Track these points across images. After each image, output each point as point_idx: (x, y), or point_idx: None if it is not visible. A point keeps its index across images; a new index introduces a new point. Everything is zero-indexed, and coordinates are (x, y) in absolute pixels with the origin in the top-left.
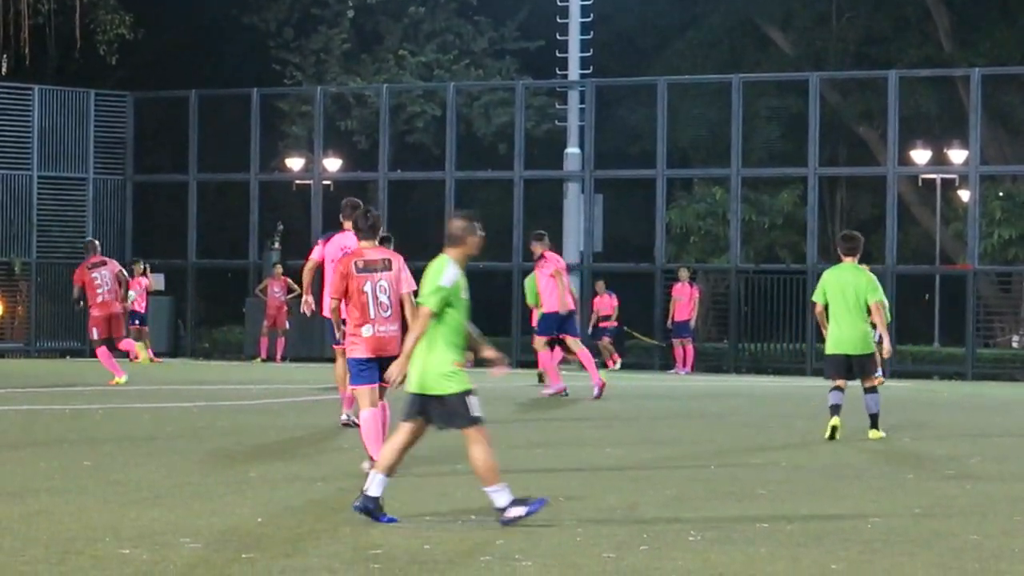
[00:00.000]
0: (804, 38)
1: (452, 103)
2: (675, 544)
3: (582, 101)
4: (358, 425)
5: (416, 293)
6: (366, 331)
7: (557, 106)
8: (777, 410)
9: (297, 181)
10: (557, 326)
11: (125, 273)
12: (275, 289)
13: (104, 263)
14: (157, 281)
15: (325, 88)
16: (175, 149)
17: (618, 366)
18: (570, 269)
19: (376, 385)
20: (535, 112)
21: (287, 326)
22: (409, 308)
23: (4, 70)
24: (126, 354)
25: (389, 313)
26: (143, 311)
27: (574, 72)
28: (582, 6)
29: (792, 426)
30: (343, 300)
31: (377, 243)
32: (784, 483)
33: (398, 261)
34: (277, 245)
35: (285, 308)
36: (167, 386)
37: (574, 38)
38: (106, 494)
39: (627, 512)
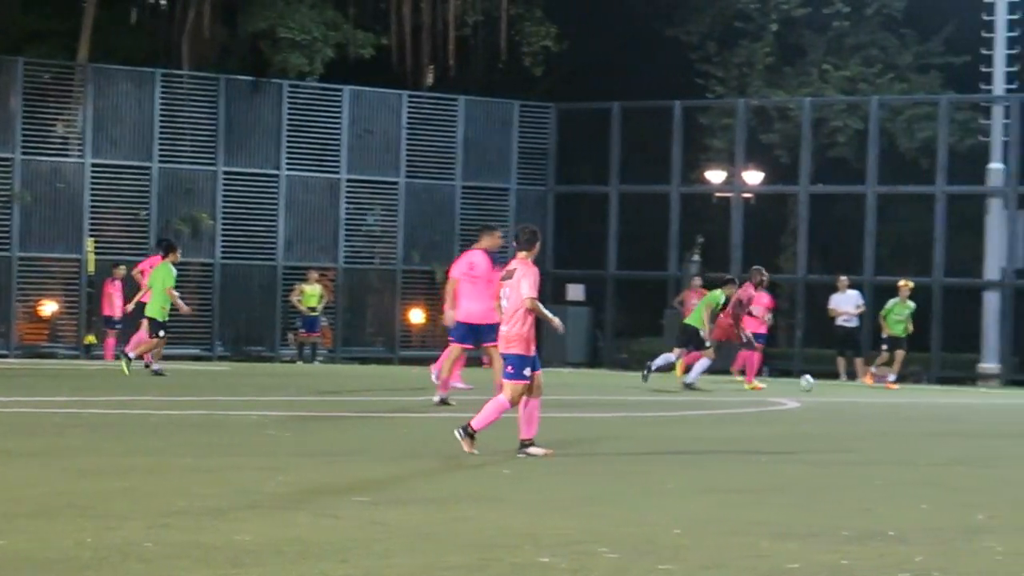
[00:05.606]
0: None
1: (875, 117)
2: None
3: (1007, 116)
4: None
5: None
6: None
7: (981, 121)
8: None
9: (717, 194)
10: None
11: None
12: (694, 301)
13: None
14: (576, 292)
15: (747, 101)
16: (597, 160)
17: None
18: (991, 286)
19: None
20: (958, 127)
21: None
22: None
23: (430, 81)
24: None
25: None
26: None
27: (999, 87)
28: (1008, 21)
29: None
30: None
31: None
32: None
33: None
34: (697, 257)
35: None
36: (583, 396)
37: (1000, 53)
38: (526, 502)
39: None
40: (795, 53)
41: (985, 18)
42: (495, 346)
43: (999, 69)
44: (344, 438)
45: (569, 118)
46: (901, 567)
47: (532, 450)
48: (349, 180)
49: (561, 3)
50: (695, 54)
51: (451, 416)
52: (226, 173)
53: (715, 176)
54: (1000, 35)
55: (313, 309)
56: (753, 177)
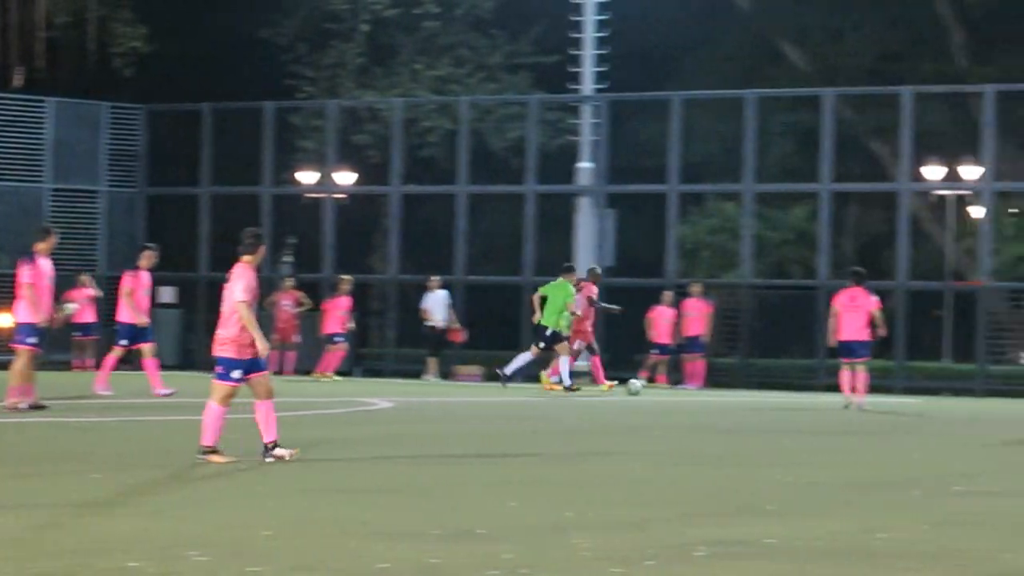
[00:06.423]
0: (818, 54)
1: (466, 117)
2: (682, 559)
3: (596, 116)
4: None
5: None
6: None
7: (570, 120)
8: (786, 426)
9: (309, 195)
10: None
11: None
12: (285, 302)
13: None
14: (167, 294)
15: (338, 102)
16: (188, 162)
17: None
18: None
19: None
20: (548, 127)
21: (297, 340)
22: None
23: (19, 82)
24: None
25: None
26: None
27: (588, 87)
28: (597, 21)
29: (801, 441)
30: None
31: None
32: (793, 499)
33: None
34: (289, 258)
35: (295, 322)
36: (174, 399)
37: (588, 53)
38: (115, 507)
39: (635, 526)
40: (386, 54)
41: (573, 19)
42: (18, 347)
43: (588, 69)
44: None
45: (159, 119)
46: (490, 565)
47: (277, 452)
48: None
49: (151, 4)
50: (286, 55)
51: (45, 421)
52: None
53: (307, 177)
54: (588, 35)
55: None
56: (345, 178)
